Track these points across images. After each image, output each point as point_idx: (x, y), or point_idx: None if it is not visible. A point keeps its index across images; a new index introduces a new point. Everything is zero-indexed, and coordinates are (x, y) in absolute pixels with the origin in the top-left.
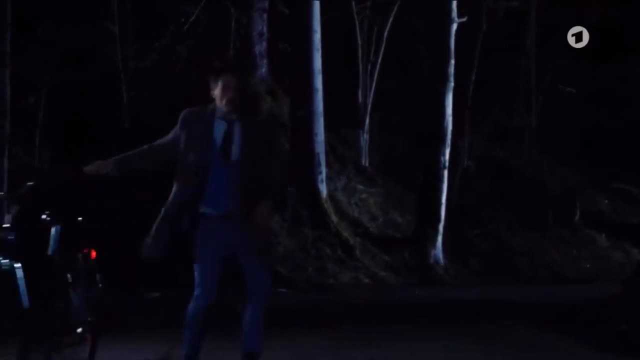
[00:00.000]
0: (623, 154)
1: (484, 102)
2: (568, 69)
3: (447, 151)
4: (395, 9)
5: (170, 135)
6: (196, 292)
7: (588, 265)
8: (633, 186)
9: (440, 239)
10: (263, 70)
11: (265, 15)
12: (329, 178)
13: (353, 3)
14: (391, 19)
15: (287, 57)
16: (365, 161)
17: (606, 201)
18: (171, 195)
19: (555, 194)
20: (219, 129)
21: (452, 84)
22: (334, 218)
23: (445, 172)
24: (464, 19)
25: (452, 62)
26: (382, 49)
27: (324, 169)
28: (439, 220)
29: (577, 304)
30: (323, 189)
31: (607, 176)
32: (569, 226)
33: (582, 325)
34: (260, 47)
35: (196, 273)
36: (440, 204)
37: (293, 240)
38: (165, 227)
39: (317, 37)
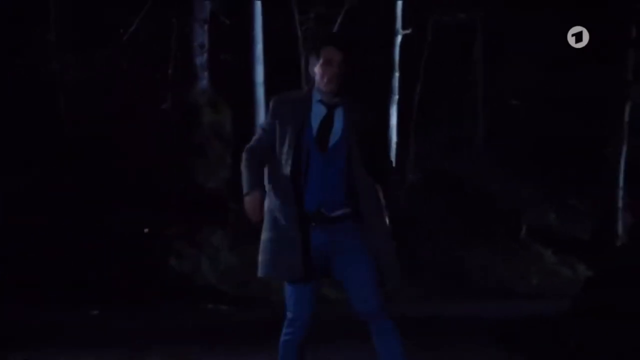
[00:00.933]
0: (572, 168)
1: (433, 115)
2: (518, 81)
3: None
4: (340, 19)
5: (261, 133)
6: (288, 315)
7: (535, 281)
8: (582, 201)
9: None
10: (204, 82)
11: (206, 26)
12: None
13: (296, 14)
14: (335, 30)
15: (229, 68)
16: None
17: (554, 215)
18: (267, 199)
19: (504, 207)
20: (317, 114)
21: (396, 97)
22: None
23: None
24: (409, 31)
25: (397, 74)
26: None
27: (266, 183)
28: None
29: (526, 321)
30: (266, 203)
31: (557, 190)
32: (517, 240)
33: (532, 342)
34: (201, 59)
35: (287, 290)
36: None
37: (235, 256)
38: (292, 232)
39: (259, 48)
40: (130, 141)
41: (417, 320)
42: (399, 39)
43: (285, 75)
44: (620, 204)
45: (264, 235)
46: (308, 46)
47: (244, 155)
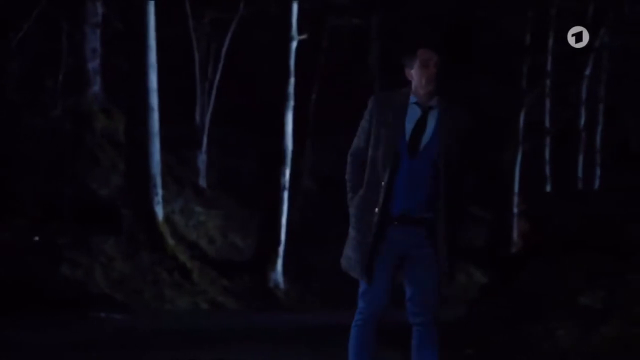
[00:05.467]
0: (468, 174)
1: (329, 121)
2: None
3: (287, 171)
4: (234, 25)
5: (359, 134)
6: (360, 305)
7: None
8: (477, 207)
9: (280, 262)
10: (96, 87)
11: (98, 31)
12: (166, 200)
13: (190, 19)
14: (229, 36)
15: (122, 74)
16: (203, 182)
17: None
18: (358, 198)
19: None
20: (412, 116)
21: (292, 103)
22: (170, 241)
23: (286, 193)
24: (305, 36)
25: (292, 80)
26: (221, 67)
27: (160, 191)
28: (279, 243)
29: None
30: (159, 211)
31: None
32: None
33: None
34: (94, 64)
35: (361, 282)
36: (280, 226)
37: (128, 265)
38: (368, 238)
39: (153, 54)
40: (19, 149)
41: (312, 328)
42: (294, 44)
43: (180, 81)
44: (515, 210)
45: (350, 232)
46: (403, 48)
47: (348, 160)
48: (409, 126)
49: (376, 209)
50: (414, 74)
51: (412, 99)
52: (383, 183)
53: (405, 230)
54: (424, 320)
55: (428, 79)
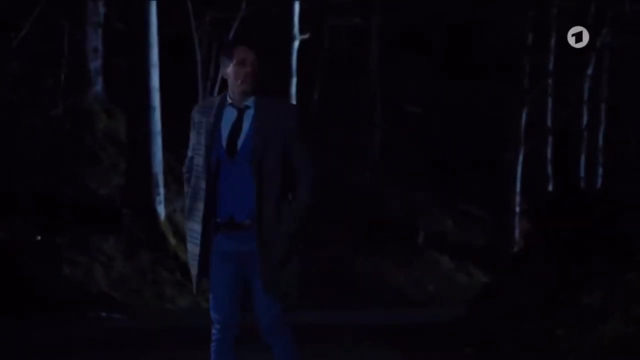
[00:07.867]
0: (469, 174)
1: (330, 121)
2: (414, 87)
3: None
4: (236, 24)
5: (190, 145)
6: (213, 321)
7: (431, 287)
8: (478, 207)
9: None
10: (98, 87)
11: (99, 30)
12: (167, 199)
13: (191, 18)
14: (231, 35)
15: (123, 74)
16: None
17: (450, 222)
18: (186, 209)
19: (399, 214)
20: (228, 118)
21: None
22: (172, 240)
23: None
24: (306, 36)
25: (294, 79)
26: None
27: (162, 190)
28: None
29: (422, 328)
30: (161, 210)
31: (453, 197)
32: (412, 247)
33: (429, 349)
34: (95, 64)
35: (210, 296)
36: None
37: (129, 264)
38: (205, 251)
39: (155, 52)
40: (20, 148)
41: (308, 329)
42: (296, 44)
43: (181, 80)
44: (517, 209)
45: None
46: (219, 48)
47: (184, 176)
48: (225, 129)
49: (200, 218)
50: (230, 72)
51: (228, 100)
52: (202, 190)
53: (232, 237)
54: (265, 330)
55: (243, 78)
